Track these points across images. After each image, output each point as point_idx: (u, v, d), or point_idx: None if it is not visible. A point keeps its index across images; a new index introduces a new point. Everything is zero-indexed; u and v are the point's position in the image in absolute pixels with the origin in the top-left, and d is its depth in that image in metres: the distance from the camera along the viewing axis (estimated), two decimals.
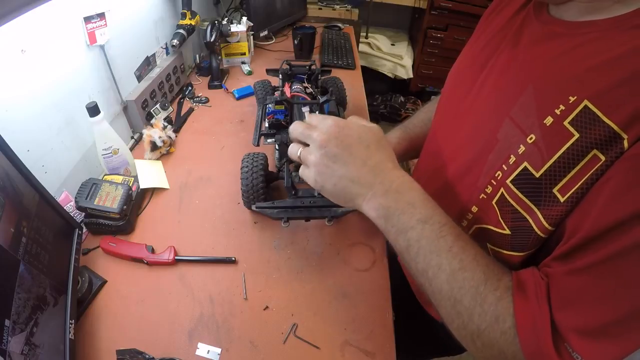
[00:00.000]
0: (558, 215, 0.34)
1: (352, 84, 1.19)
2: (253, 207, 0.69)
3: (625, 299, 0.29)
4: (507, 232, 0.40)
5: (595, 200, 0.31)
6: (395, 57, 2.33)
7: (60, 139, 0.69)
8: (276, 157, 0.75)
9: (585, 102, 0.32)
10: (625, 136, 0.29)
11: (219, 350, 0.54)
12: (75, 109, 0.71)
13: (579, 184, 0.32)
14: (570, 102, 0.33)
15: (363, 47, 2.28)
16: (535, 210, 0.36)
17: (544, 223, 0.36)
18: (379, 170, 0.43)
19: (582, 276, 0.31)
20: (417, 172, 0.65)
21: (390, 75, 2.37)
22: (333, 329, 0.57)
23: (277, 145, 0.72)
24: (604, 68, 0.32)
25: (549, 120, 0.35)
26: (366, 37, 2.32)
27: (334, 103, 0.87)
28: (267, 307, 0.60)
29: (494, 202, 0.41)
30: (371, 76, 2.29)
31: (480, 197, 0.43)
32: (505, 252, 0.42)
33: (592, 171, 0.31)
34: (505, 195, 0.39)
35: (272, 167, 0.77)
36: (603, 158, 0.31)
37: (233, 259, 0.66)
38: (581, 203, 0.33)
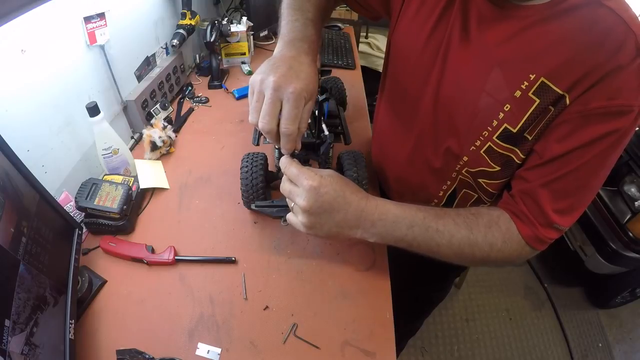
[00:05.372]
0: (528, 147, 0.51)
1: (352, 84, 1.19)
2: (252, 206, 0.69)
3: (580, 189, 0.49)
4: (498, 168, 0.55)
5: (552, 133, 0.48)
6: None
7: (60, 139, 0.69)
8: (276, 156, 0.75)
9: (542, 78, 0.45)
10: (567, 96, 0.45)
11: (219, 350, 0.54)
12: (75, 109, 0.71)
13: (540, 126, 0.48)
14: (531, 78, 0.46)
15: (363, 47, 2.28)
16: (515, 149, 0.52)
17: (520, 155, 0.52)
18: (359, 211, 0.51)
19: (553, 184, 0.49)
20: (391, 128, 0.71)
21: None
22: (333, 329, 0.57)
23: (276, 145, 0.72)
24: (551, 51, 0.45)
25: (518, 93, 0.48)
26: (366, 37, 2.31)
27: (334, 102, 0.87)
28: (267, 307, 0.60)
29: (482, 152, 0.54)
30: (371, 76, 2.27)
31: (471, 149, 0.55)
32: (496, 181, 0.57)
33: (546, 117, 0.47)
34: (492, 146, 0.53)
35: (271, 167, 0.77)
36: (552, 109, 0.46)
37: (233, 259, 0.66)
38: (543, 136, 0.49)
